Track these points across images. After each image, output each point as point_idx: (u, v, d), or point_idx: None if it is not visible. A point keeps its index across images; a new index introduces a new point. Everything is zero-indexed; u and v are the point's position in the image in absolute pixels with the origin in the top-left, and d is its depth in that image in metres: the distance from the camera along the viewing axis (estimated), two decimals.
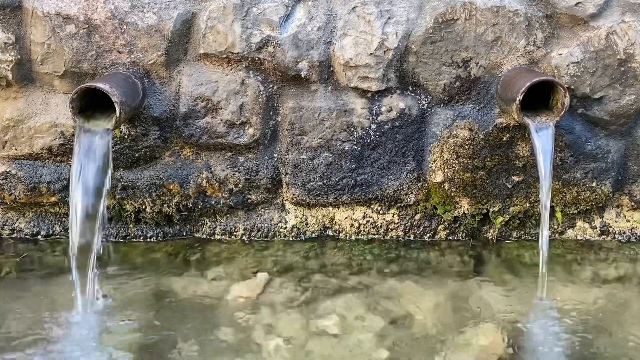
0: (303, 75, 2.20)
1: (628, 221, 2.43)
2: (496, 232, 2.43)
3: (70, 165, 2.21)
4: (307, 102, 2.25)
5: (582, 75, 2.16)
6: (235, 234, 2.44)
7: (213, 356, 1.84)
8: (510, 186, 2.33)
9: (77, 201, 1.99)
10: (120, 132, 2.24)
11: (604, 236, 2.44)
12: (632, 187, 2.37)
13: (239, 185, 2.35)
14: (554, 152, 2.11)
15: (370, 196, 2.36)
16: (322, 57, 2.18)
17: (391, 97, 2.23)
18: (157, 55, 2.18)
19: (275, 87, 2.25)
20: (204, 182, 2.34)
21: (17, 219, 2.44)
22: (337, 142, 2.27)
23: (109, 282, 2.16)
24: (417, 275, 2.23)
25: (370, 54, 2.16)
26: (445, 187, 2.32)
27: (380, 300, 2.08)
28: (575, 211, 2.40)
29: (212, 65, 2.22)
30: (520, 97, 1.94)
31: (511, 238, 2.44)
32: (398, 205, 2.39)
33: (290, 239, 2.43)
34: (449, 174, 2.29)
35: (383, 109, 2.23)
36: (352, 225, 2.42)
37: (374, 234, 2.43)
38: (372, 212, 2.41)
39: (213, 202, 2.39)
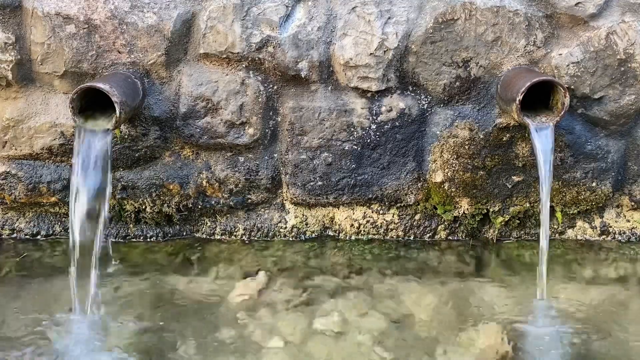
0: (303, 75, 2.20)
1: (628, 221, 2.43)
2: (496, 232, 2.43)
3: (70, 165, 2.22)
4: (307, 102, 2.25)
5: (582, 75, 2.16)
6: (235, 234, 2.44)
7: (213, 356, 1.84)
8: (510, 186, 2.33)
9: (78, 201, 1.99)
10: (120, 132, 2.24)
11: (604, 236, 2.43)
12: (632, 187, 2.37)
13: (239, 185, 2.35)
14: (554, 152, 2.11)
15: (370, 196, 2.36)
16: (322, 57, 2.18)
17: (391, 97, 2.23)
18: (157, 55, 2.18)
19: (275, 87, 2.25)
20: (204, 182, 2.34)
21: (17, 219, 2.44)
22: (337, 142, 2.27)
23: (109, 282, 2.16)
24: (417, 275, 2.23)
25: (370, 54, 2.16)
26: (445, 187, 2.32)
27: (380, 300, 2.08)
28: (575, 211, 2.40)
29: (212, 65, 2.22)
30: (520, 97, 1.94)
31: (511, 238, 2.44)
32: (398, 205, 2.39)
33: (290, 239, 2.43)
34: (449, 174, 2.29)
35: (383, 109, 2.23)
36: (352, 225, 2.42)
37: (374, 234, 2.43)
38: (372, 212, 2.41)
39: (213, 202, 2.39)
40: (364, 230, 2.43)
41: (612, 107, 2.20)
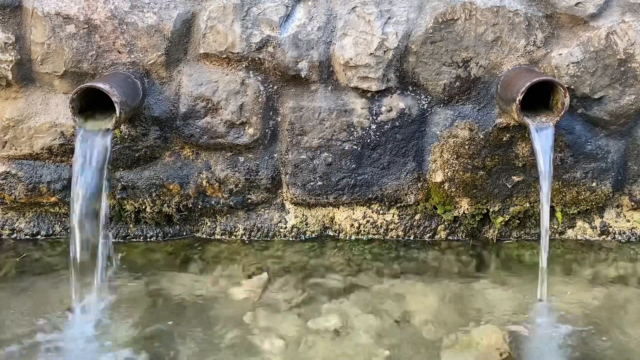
0: (303, 75, 2.20)
1: (628, 221, 2.43)
2: (496, 232, 2.43)
3: (70, 165, 2.22)
4: (307, 102, 2.25)
5: (582, 75, 2.16)
6: (235, 233, 2.44)
7: (213, 356, 1.84)
8: (510, 186, 2.33)
9: (78, 201, 1.99)
10: (120, 132, 2.24)
11: (604, 236, 2.44)
12: (632, 187, 2.37)
13: (239, 185, 2.35)
14: (554, 152, 2.11)
15: (370, 196, 2.36)
16: (322, 57, 2.18)
17: (391, 97, 2.23)
18: (157, 55, 2.18)
19: (275, 87, 2.25)
20: (204, 182, 2.34)
21: (17, 219, 2.44)
22: (337, 142, 2.27)
23: (109, 282, 2.16)
24: (417, 275, 2.23)
25: (370, 54, 2.16)
26: (445, 187, 2.32)
27: (380, 300, 2.08)
28: (575, 211, 2.40)
29: (212, 65, 2.22)
30: (520, 97, 1.94)
31: (511, 238, 2.44)
32: (398, 205, 2.39)
33: (290, 239, 2.43)
34: (449, 174, 2.29)
35: (383, 109, 2.23)
36: (352, 225, 2.42)
37: (374, 234, 2.43)
38: (372, 212, 2.41)
39: (213, 202, 2.39)
40: (364, 230, 2.43)
41: (612, 107, 2.20)
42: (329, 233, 2.45)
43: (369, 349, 1.87)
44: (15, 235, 2.43)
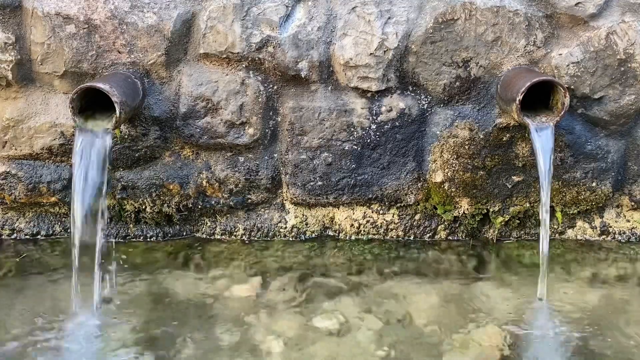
0: (303, 75, 2.20)
1: (628, 221, 2.43)
2: (496, 232, 2.43)
3: (70, 165, 2.22)
4: (307, 102, 2.25)
5: (582, 75, 2.16)
6: (235, 233, 2.44)
7: (213, 356, 1.84)
8: (510, 186, 2.33)
9: (78, 201, 1.99)
10: (120, 132, 2.24)
11: (603, 236, 2.44)
12: (632, 187, 2.37)
13: (239, 185, 2.35)
14: (554, 152, 2.11)
15: (370, 196, 2.36)
16: (322, 57, 2.18)
17: (391, 97, 2.23)
18: (157, 55, 2.18)
19: (275, 87, 2.25)
20: (204, 182, 2.34)
21: (17, 219, 2.44)
22: (337, 142, 2.27)
23: (109, 282, 2.16)
24: (417, 276, 2.23)
25: (370, 54, 2.16)
26: (445, 187, 2.32)
27: (380, 300, 2.08)
28: (575, 211, 2.40)
29: (212, 65, 2.22)
30: (520, 97, 1.94)
31: (511, 238, 2.44)
32: (398, 205, 2.39)
33: (290, 239, 2.43)
34: (449, 174, 2.29)
35: (383, 109, 2.23)
36: (352, 225, 2.42)
37: (374, 234, 2.44)
38: (372, 212, 2.41)
39: (213, 202, 2.39)
40: (364, 230, 2.43)
41: (612, 107, 2.20)
42: (329, 233, 2.45)
43: (369, 349, 1.87)
44: (15, 235, 2.43)
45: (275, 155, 2.33)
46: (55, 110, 2.26)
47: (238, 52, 2.18)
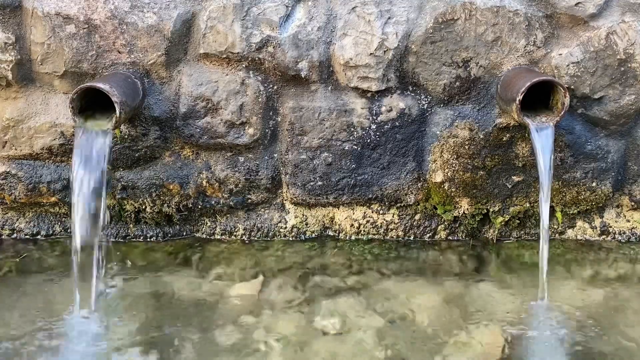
0: (303, 75, 2.20)
1: (628, 221, 2.43)
2: (496, 232, 2.43)
3: (70, 165, 2.22)
4: (307, 102, 2.25)
5: (582, 75, 2.16)
6: (235, 234, 2.44)
7: (213, 356, 1.84)
8: (510, 186, 2.33)
9: (78, 201, 1.99)
10: (120, 132, 2.24)
11: (603, 236, 2.44)
12: (632, 187, 2.37)
13: (239, 185, 2.35)
14: (554, 152, 2.11)
15: (370, 196, 2.36)
16: (322, 57, 2.18)
17: (391, 97, 2.23)
18: (157, 55, 2.18)
19: (275, 87, 2.25)
20: (204, 182, 2.34)
21: (17, 219, 2.44)
22: (337, 142, 2.27)
23: (109, 282, 2.16)
24: (417, 276, 2.23)
25: (370, 54, 2.16)
26: (445, 187, 2.32)
27: (380, 300, 2.08)
28: (575, 211, 2.40)
29: (212, 65, 2.22)
30: (520, 97, 1.94)
31: (511, 238, 2.44)
32: (398, 205, 2.39)
33: (290, 239, 2.43)
34: (449, 174, 2.29)
35: (383, 109, 2.23)
36: (352, 225, 2.42)
37: (374, 234, 2.44)
38: (372, 212, 2.41)
39: (213, 202, 2.39)
40: (364, 230, 2.43)
41: (612, 107, 2.20)
42: (329, 233, 2.45)
43: (368, 349, 1.87)
44: (15, 235, 2.43)
45: (275, 155, 2.33)
46: (55, 110, 2.26)
47: (238, 52, 2.18)
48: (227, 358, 1.84)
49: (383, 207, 2.40)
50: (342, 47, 2.16)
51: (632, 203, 2.40)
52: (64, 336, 1.92)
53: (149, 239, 2.42)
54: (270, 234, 2.43)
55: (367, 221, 2.42)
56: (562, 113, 1.99)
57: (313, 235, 2.44)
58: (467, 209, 2.37)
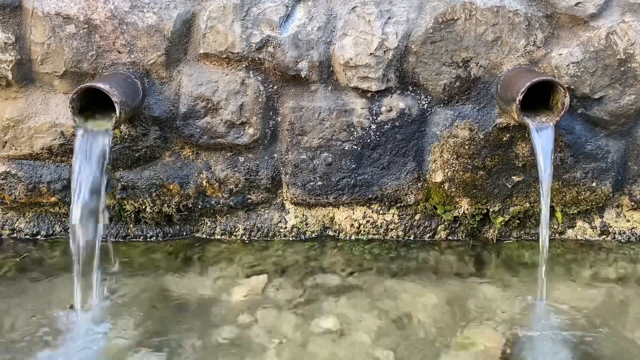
0: (303, 75, 2.20)
1: (628, 221, 2.43)
2: (496, 232, 2.43)
3: (70, 166, 2.22)
4: (307, 102, 2.25)
5: (582, 75, 2.16)
6: (235, 234, 2.44)
7: (213, 356, 1.84)
8: (510, 186, 2.33)
9: (78, 201, 1.99)
10: (120, 132, 2.24)
11: (603, 236, 2.44)
12: (632, 187, 2.37)
13: (239, 185, 2.35)
14: (554, 152, 2.11)
15: (370, 196, 2.36)
16: (322, 57, 2.18)
17: (391, 97, 2.23)
18: (157, 55, 2.18)
19: (275, 87, 2.25)
20: (204, 182, 2.34)
21: (17, 219, 2.44)
22: (337, 142, 2.27)
23: (109, 282, 2.16)
24: (417, 275, 2.23)
25: (370, 54, 2.16)
26: (445, 187, 2.32)
27: (380, 300, 2.08)
28: (575, 211, 2.40)
29: (212, 65, 2.22)
30: (520, 97, 1.94)
31: (511, 238, 2.44)
32: (398, 205, 2.39)
33: (290, 238, 2.43)
34: (449, 174, 2.29)
35: (383, 109, 2.23)
36: (352, 225, 2.42)
37: (374, 234, 2.44)
38: (372, 212, 2.41)
39: (213, 202, 2.39)
40: (364, 230, 2.43)
41: (612, 107, 2.20)
42: (329, 233, 2.45)
43: (368, 349, 1.87)
44: (15, 235, 2.43)
45: (275, 155, 2.33)
46: (55, 110, 2.26)
47: (238, 52, 2.18)
48: (227, 357, 1.84)
49: (383, 207, 2.40)
50: (342, 47, 2.17)
51: (632, 203, 2.40)
52: (63, 336, 1.92)
53: (149, 239, 2.42)
54: (270, 234, 2.43)
55: (367, 221, 2.42)
56: (562, 113, 1.99)
57: (313, 235, 2.44)
58: (467, 209, 2.37)
